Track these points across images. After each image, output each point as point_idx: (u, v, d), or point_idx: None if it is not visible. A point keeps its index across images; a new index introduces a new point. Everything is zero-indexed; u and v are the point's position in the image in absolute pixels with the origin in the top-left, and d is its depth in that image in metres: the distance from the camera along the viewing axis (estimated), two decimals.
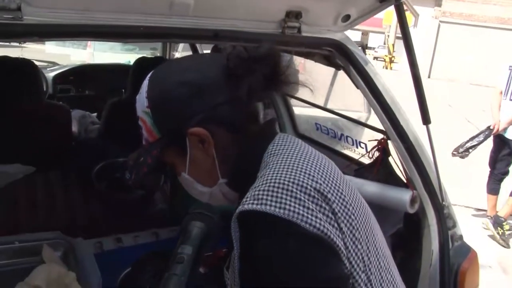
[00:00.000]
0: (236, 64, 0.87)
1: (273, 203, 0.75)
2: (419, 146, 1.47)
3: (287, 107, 2.30)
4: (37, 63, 2.62)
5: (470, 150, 4.30)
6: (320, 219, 0.75)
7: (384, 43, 27.09)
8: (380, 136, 1.65)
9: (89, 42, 5.63)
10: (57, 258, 1.54)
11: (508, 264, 3.82)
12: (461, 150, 4.33)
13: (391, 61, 21.88)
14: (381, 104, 1.44)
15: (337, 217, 0.78)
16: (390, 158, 1.63)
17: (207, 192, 0.95)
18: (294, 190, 0.76)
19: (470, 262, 1.48)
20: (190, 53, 3.43)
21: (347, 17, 1.40)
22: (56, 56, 5.15)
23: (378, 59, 26.56)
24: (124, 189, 2.16)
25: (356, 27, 1.57)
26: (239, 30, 1.21)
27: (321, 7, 1.33)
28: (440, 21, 17.52)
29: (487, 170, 4.53)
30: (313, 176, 0.80)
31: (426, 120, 1.40)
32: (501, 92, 4.21)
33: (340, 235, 0.77)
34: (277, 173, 0.79)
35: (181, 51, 3.89)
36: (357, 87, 1.50)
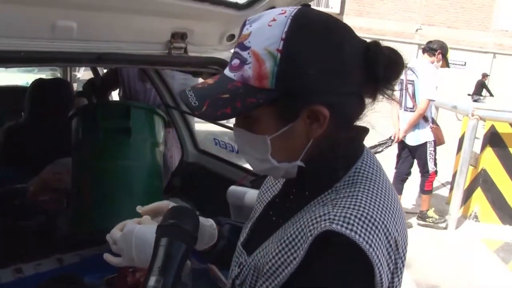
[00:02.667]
0: (380, 61, 0.77)
1: (363, 235, 0.70)
2: None
3: (186, 124, 2.35)
4: None
5: None
6: (387, 271, 0.73)
7: None
8: None
9: None
10: None
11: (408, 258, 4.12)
12: None
13: None
14: None
15: (397, 273, 0.77)
16: None
17: (272, 164, 0.81)
18: (382, 232, 0.72)
19: None
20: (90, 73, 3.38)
21: (232, 37, 1.48)
22: None
23: None
24: (23, 217, 2.08)
25: None
26: (123, 52, 1.24)
27: (205, 28, 1.39)
28: None
29: (390, 172, 4.89)
30: (396, 224, 0.76)
31: None
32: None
33: None
34: (369, 205, 0.74)
35: (83, 71, 3.79)
36: None
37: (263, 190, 1.01)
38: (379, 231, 0.72)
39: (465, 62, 17.62)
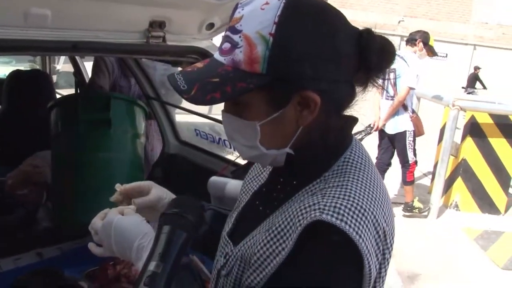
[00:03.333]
0: (372, 49, 0.76)
1: (352, 225, 0.69)
2: None
3: (167, 115, 2.33)
4: None
5: None
6: (375, 261, 0.73)
7: None
8: None
9: None
10: None
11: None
12: None
13: None
14: None
15: (384, 264, 0.77)
16: None
17: (260, 151, 0.79)
18: (371, 223, 0.71)
19: None
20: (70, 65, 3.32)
21: (211, 25, 1.46)
22: None
23: None
24: (2, 211, 2.04)
25: None
26: (100, 41, 1.21)
27: (184, 17, 1.37)
28: None
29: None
30: (385, 214, 0.75)
31: None
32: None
33: (376, 279, 0.76)
34: (359, 195, 0.73)
35: (62, 63, 3.72)
36: None
37: (248, 180, 0.99)
38: (368, 221, 0.71)
39: (447, 54, 17.83)
